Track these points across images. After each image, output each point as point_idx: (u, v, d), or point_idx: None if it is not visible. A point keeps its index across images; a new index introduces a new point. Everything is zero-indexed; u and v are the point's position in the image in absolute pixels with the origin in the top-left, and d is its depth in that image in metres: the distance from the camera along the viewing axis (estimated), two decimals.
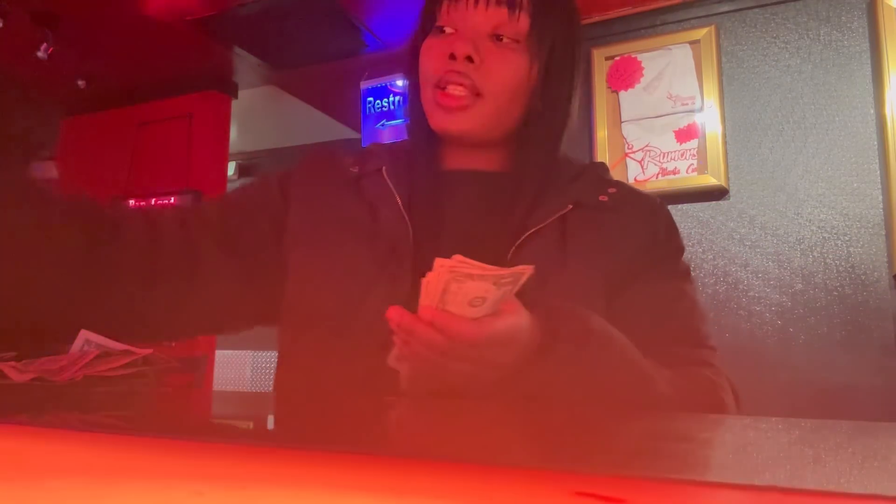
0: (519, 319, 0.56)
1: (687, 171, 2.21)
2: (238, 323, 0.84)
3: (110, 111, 3.46)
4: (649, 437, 0.40)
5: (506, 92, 0.74)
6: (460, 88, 0.73)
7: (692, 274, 0.79)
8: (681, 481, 0.25)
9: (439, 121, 0.75)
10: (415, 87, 0.79)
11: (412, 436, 0.41)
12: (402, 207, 0.74)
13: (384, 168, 0.79)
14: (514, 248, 0.71)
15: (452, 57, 0.73)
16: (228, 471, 0.28)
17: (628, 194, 0.79)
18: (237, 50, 2.89)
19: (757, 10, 2.22)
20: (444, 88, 0.73)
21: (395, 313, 0.54)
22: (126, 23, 2.67)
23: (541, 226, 0.73)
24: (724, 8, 2.26)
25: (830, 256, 2.02)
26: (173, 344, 3.05)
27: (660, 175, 2.24)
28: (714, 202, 2.19)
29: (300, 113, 3.71)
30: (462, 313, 0.53)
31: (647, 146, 2.28)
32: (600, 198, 0.76)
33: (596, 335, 0.62)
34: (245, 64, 3.06)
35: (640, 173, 2.27)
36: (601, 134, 2.34)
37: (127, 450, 0.33)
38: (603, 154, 2.32)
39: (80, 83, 3.02)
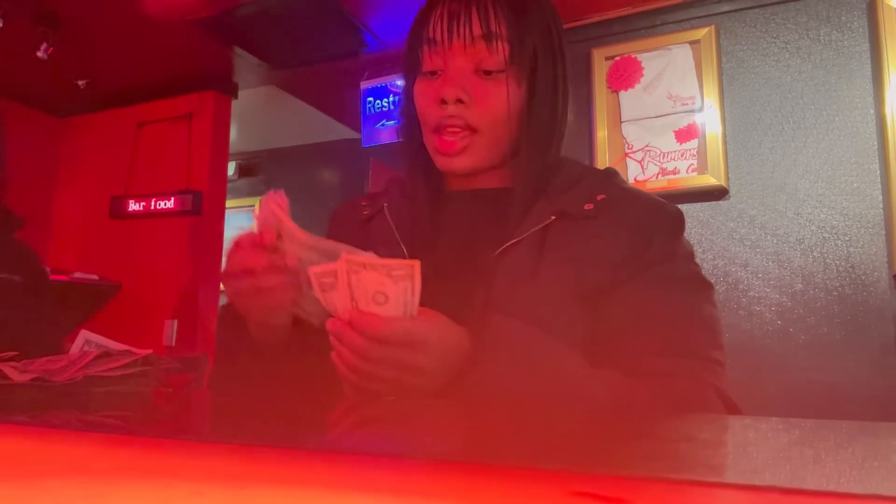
0: (432, 326, 0.59)
1: (687, 171, 2.21)
2: None
3: (110, 111, 3.46)
4: (649, 438, 0.40)
5: (499, 122, 0.76)
6: (456, 130, 0.76)
7: (701, 280, 0.74)
8: (681, 481, 0.25)
9: (443, 164, 0.78)
10: (409, 125, 0.83)
11: (411, 436, 0.41)
12: (399, 241, 0.78)
13: (386, 205, 0.83)
14: (492, 259, 0.72)
15: (444, 101, 0.75)
16: (228, 471, 0.28)
17: (619, 200, 0.76)
18: (237, 50, 2.89)
19: (757, 10, 2.22)
20: (441, 133, 0.76)
21: (330, 322, 0.59)
22: (126, 23, 2.67)
23: (520, 238, 0.73)
24: (724, 8, 2.26)
25: (830, 256, 2.02)
26: (173, 343, 3.06)
27: (660, 175, 2.24)
28: (714, 202, 2.19)
29: (300, 113, 3.71)
30: (370, 311, 0.57)
31: (647, 146, 2.28)
32: (586, 206, 0.75)
33: (525, 346, 0.64)
34: (245, 64, 3.06)
35: (640, 173, 2.27)
36: (601, 134, 2.34)
37: (127, 450, 0.33)
38: (603, 154, 2.32)
39: (80, 83, 3.03)
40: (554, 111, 0.79)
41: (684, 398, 0.65)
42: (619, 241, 0.72)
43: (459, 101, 0.74)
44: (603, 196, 0.75)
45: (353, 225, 0.87)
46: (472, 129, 0.75)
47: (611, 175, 0.82)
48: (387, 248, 0.77)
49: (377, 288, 0.56)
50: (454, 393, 0.60)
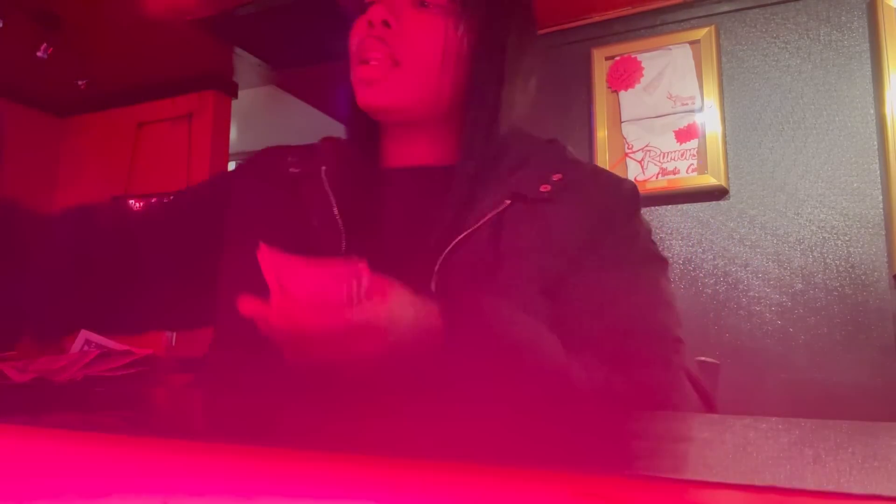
0: (379, 312, 0.52)
1: (687, 171, 2.21)
2: (184, 323, 0.87)
3: (110, 111, 3.46)
4: (649, 438, 0.40)
5: (427, 59, 0.69)
6: (377, 55, 0.68)
7: (658, 258, 0.71)
8: (681, 481, 0.25)
9: (361, 96, 0.70)
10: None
11: (411, 436, 0.41)
12: (336, 215, 0.70)
13: (324, 169, 0.74)
14: (444, 254, 0.66)
15: (370, 23, 0.69)
16: (228, 471, 0.28)
17: (576, 180, 0.71)
18: (237, 50, 2.89)
19: (757, 10, 2.22)
20: (363, 62, 0.69)
21: (245, 306, 0.51)
22: (126, 23, 2.66)
23: (474, 227, 0.66)
24: (724, 8, 2.26)
25: (830, 256, 2.02)
26: (173, 343, 3.06)
27: (660, 175, 2.24)
28: (714, 202, 2.18)
29: (300, 113, 3.71)
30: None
31: (647, 146, 2.28)
32: (541, 188, 0.68)
33: (502, 323, 0.59)
34: (245, 64, 3.06)
35: (640, 173, 2.27)
36: (601, 134, 2.34)
37: (127, 450, 0.33)
38: (603, 154, 2.32)
39: (80, 83, 3.02)
40: (500, 69, 0.71)
41: (658, 384, 0.63)
42: (580, 225, 0.68)
43: (385, 23, 0.68)
44: (559, 176, 0.70)
45: (277, 181, 0.76)
46: (395, 61, 0.68)
47: (561, 149, 0.76)
48: (323, 217, 0.70)
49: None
50: (421, 371, 0.56)
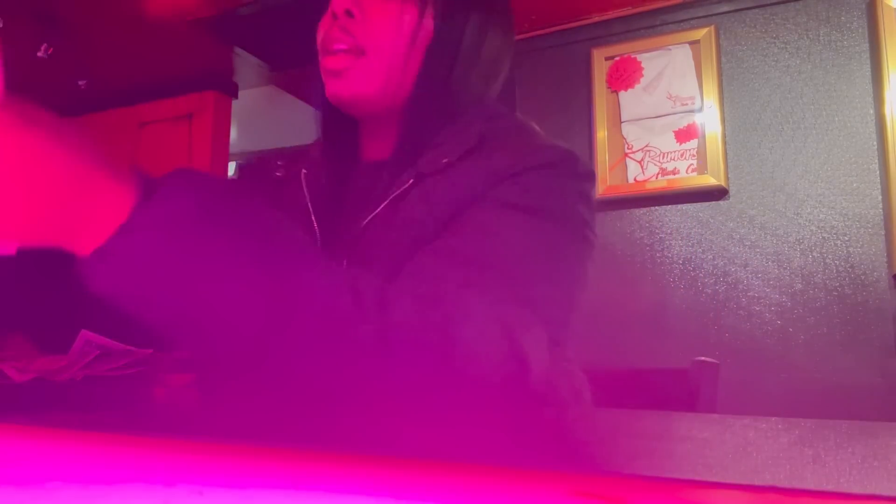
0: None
1: (687, 172, 2.21)
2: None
3: (110, 111, 3.46)
4: (649, 438, 0.40)
5: (392, 46, 0.68)
6: (342, 46, 0.68)
7: (569, 225, 0.64)
8: (681, 481, 0.25)
9: (330, 88, 0.70)
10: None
11: (411, 435, 0.41)
12: (312, 214, 0.71)
13: (304, 172, 0.76)
14: (356, 233, 0.66)
15: (334, 15, 0.69)
16: (228, 471, 0.28)
17: (485, 146, 0.67)
18: (237, 50, 2.89)
19: (757, 10, 2.22)
20: (329, 53, 0.69)
21: None
22: (126, 23, 2.66)
23: (378, 209, 0.66)
24: (724, 8, 2.26)
25: (830, 256, 2.02)
26: None
27: (660, 175, 2.24)
28: (714, 202, 2.19)
29: (300, 113, 3.71)
30: None
31: (646, 146, 2.28)
32: (444, 160, 0.66)
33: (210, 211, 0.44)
34: (245, 64, 3.06)
35: (640, 173, 2.27)
36: (601, 134, 2.34)
37: (127, 450, 0.33)
38: (603, 154, 2.33)
39: (80, 83, 3.02)
40: (452, 56, 0.70)
41: (448, 320, 0.50)
42: (474, 183, 0.64)
43: (348, 13, 0.68)
44: (468, 147, 0.67)
45: (264, 186, 0.81)
46: (361, 51, 0.69)
47: (507, 128, 0.71)
48: (299, 217, 0.73)
49: None
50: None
